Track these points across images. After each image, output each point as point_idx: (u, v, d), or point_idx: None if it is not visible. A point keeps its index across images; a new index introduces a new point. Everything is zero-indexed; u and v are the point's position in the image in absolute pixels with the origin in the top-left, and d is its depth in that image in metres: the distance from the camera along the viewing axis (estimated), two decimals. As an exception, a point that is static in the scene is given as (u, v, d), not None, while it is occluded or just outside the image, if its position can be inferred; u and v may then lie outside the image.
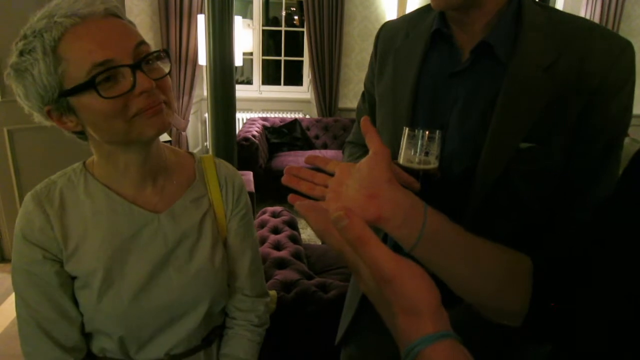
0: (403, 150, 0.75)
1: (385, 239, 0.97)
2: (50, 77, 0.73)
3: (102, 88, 0.72)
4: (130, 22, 0.80)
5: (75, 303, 0.87)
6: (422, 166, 0.74)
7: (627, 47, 0.75)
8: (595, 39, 0.75)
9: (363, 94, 1.08)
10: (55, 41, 0.71)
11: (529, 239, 0.83)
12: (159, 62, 0.80)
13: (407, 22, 0.94)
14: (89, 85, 0.72)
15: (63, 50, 0.72)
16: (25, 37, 0.73)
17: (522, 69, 0.76)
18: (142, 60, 0.75)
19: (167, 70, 0.81)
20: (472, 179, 0.80)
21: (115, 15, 0.77)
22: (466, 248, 0.61)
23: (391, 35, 0.96)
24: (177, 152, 0.99)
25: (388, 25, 1.01)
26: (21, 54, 0.73)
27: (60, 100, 0.75)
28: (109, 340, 0.89)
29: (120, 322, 0.86)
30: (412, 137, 0.74)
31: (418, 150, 0.74)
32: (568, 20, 0.79)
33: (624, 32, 4.93)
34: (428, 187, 0.74)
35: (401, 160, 0.76)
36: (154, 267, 0.88)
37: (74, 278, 0.86)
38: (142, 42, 0.77)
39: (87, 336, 0.91)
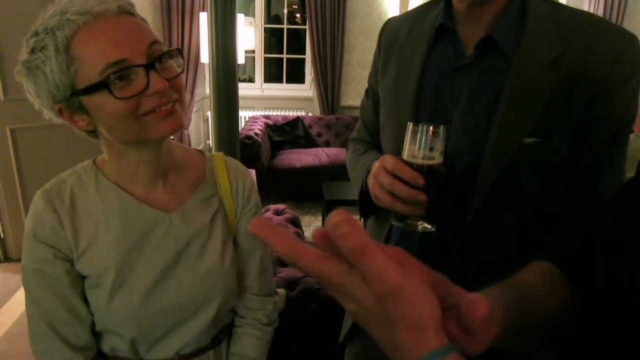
0: (407, 145, 0.75)
1: (387, 238, 0.97)
2: (63, 75, 0.72)
3: (115, 88, 0.71)
4: (143, 19, 0.79)
5: (86, 302, 0.87)
6: (426, 161, 0.74)
7: (633, 41, 0.74)
8: (599, 33, 0.75)
9: (367, 91, 1.08)
10: (67, 39, 0.70)
11: (534, 232, 0.82)
12: (171, 61, 0.79)
13: (411, 18, 0.94)
14: (103, 85, 0.71)
15: (76, 49, 0.71)
16: (36, 33, 0.72)
17: (526, 63, 0.76)
18: (156, 59, 0.74)
19: (180, 69, 0.80)
20: (477, 174, 0.80)
21: (129, 12, 0.76)
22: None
23: (395, 32, 0.96)
24: (186, 150, 0.99)
25: (392, 22, 1.00)
26: (33, 51, 0.72)
27: (72, 99, 0.74)
28: (120, 340, 0.89)
29: (131, 322, 0.86)
30: (416, 133, 0.74)
31: (422, 146, 0.74)
32: (572, 14, 0.78)
33: (627, 28, 4.89)
34: (432, 182, 0.74)
35: (405, 156, 0.75)
36: (164, 267, 0.88)
37: (84, 277, 0.86)
38: (156, 42, 0.76)
39: (97, 335, 0.91)
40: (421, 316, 0.37)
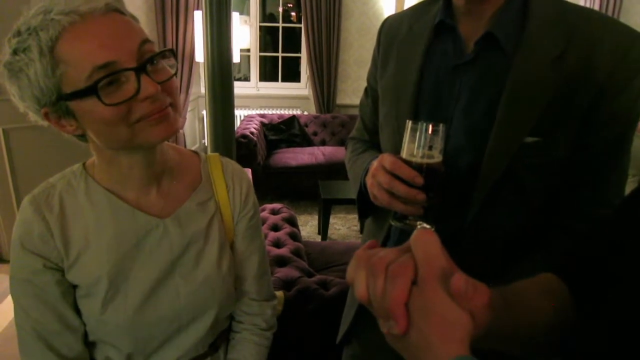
0: (406, 144, 0.74)
1: (386, 239, 0.95)
2: (47, 79, 0.68)
3: (104, 93, 0.67)
4: (132, 16, 0.75)
5: (78, 312, 0.84)
6: (425, 160, 0.72)
7: (638, 39, 0.73)
8: (604, 31, 0.73)
9: (366, 90, 1.07)
10: (52, 41, 0.66)
11: (535, 233, 0.81)
12: (164, 62, 0.75)
13: (411, 15, 0.93)
14: (91, 91, 0.67)
15: (61, 51, 0.66)
16: (19, 33, 0.67)
17: (528, 61, 0.74)
18: (147, 62, 0.70)
19: (173, 70, 0.76)
20: (477, 173, 0.78)
21: (117, 10, 0.72)
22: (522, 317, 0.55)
23: (394, 29, 0.95)
24: (181, 151, 0.95)
25: (391, 19, 0.99)
26: (15, 52, 0.68)
27: (59, 104, 0.71)
28: (115, 351, 0.86)
29: (125, 333, 0.83)
30: (415, 131, 0.73)
31: (421, 144, 0.72)
32: (576, 10, 0.76)
33: (623, 26, 4.94)
34: (432, 181, 0.73)
35: (404, 155, 0.74)
36: (159, 274, 0.85)
37: (75, 286, 0.83)
38: (146, 41, 0.71)
39: (90, 345, 0.88)
40: (458, 314, 0.39)
